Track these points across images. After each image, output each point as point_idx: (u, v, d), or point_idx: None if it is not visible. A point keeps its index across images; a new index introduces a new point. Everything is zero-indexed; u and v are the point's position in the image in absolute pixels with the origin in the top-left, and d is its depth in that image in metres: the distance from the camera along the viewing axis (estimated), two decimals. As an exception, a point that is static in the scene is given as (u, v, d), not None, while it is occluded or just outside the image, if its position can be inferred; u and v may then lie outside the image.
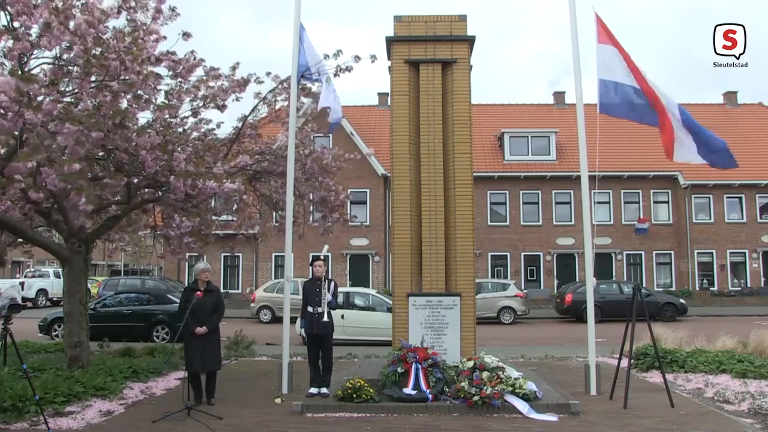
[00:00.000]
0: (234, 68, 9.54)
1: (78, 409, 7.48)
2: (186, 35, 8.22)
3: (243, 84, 9.55)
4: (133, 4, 7.88)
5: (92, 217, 9.20)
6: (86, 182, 7.22)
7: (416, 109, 9.16)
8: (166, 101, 8.56)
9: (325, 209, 11.30)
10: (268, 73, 10.04)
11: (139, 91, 7.72)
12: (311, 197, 11.20)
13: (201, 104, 9.39)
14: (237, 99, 9.59)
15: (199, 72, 8.79)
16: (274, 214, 12.04)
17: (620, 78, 8.49)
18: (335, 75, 9.57)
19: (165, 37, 8.12)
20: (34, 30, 7.06)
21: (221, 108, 9.45)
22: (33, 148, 6.77)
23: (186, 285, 19.59)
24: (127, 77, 7.43)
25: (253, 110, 10.31)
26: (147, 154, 7.75)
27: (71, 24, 7.07)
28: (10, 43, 7.02)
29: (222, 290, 31.16)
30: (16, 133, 7.05)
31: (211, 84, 9.20)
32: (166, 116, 8.79)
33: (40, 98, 6.91)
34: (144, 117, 8.84)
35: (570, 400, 7.54)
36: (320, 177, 10.76)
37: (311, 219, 12.70)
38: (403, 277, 8.83)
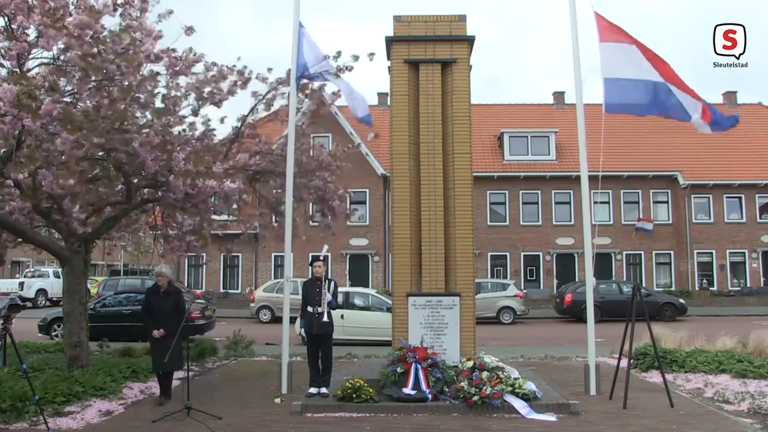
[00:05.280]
0: (234, 68, 9.51)
1: (78, 409, 7.49)
2: (189, 30, 8.15)
3: (245, 81, 9.52)
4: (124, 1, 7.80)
5: (85, 224, 9.21)
6: (82, 187, 7.22)
7: (416, 109, 9.16)
8: (164, 105, 8.52)
9: (323, 205, 11.25)
10: (270, 69, 10.02)
11: (137, 95, 7.70)
12: (310, 192, 11.13)
13: (199, 103, 9.35)
14: (232, 94, 9.53)
15: (199, 68, 8.77)
16: (273, 216, 11.99)
17: (632, 74, 8.32)
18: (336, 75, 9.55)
19: (161, 35, 8.06)
20: (33, 29, 7.05)
21: (218, 104, 9.41)
22: (29, 156, 6.77)
23: (181, 286, 19.62)
24: (124, 82, 7.40)
25: (251, 110, 10.30)
26: (146, 155, 7.75)
27: (68, 21, 7.03)
28: (7, 43, 7.01)
29: (222, 290, 31.15)
30: (16, 132, 7.05)
31: (213, 86, 9.18)
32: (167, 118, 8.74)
33: (40, 97, 6.90)
34: (144, 116, 8.83)
35: (569, 400, 7.55)
36: (317, 171, 10.72)
37: (310, 220, 12.66)
38: (402, 277, 8.83)
